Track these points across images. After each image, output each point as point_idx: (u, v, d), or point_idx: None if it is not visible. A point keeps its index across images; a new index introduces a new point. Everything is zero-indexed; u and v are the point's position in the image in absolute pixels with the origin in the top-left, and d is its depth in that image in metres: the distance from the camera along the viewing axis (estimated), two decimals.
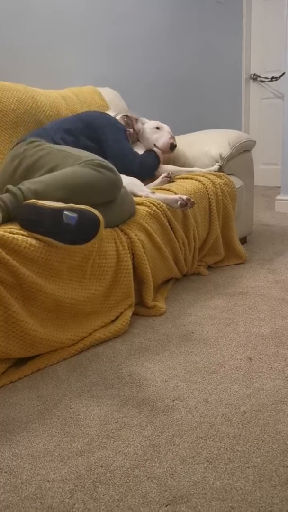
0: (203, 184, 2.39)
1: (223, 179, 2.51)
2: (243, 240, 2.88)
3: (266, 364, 1.57)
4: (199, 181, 2.41)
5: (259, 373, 1.52)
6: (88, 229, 1.55)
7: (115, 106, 2.91)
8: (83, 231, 1.55)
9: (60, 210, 1.54)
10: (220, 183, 2.47)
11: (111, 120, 2.37)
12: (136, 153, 2.38)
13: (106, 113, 2.43)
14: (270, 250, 2.80)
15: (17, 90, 2.46)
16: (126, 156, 2.31)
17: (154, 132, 2.55)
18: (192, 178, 2.45)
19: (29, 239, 1.55)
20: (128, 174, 2.24)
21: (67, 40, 3.08)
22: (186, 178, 2.47)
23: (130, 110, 3.03)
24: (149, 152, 2.48)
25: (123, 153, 2.30)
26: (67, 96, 2.76)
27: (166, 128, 2.57)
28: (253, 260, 2.61)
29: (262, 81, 4.73)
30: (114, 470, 1.14)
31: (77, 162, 1.83)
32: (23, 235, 1.55)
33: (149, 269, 1.97)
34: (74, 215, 1.52)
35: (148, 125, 2.57)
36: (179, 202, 2.08)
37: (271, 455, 1.16)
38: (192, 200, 2.09)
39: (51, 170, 1.83)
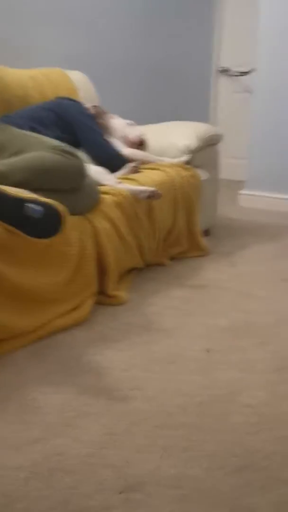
0: (170, 176, 2.40)
1: (189, 172, 2.53)
2: (206, 233, 2.92)
3: (222, 356, 1.61)
4: (166, 172, 2.42)
5: (216, 364, 1.56)
6: (52, 224, 1.54)
7: (84, 90, 2.87)
8: (47, 225, 1.54)
9: (23, 200, 1.52)
10: (187, 175, 2.49)
11: (82, 108, 2.35)
12: (110, 142, 2.39)
13: (76, 101, 2.41)
14: (232, 243, 2.85)
15: None
16: (102, 144, 2.33)
17: (126, 127, 2.56)
18: (159, 169, 2.45)
19: None
20: (103, 162, 2.26)
21: (38, 17, 3.00)
22: (153, 168, 2.47)
23: (98, 95, 3.00)
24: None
25: (100, 142, 2.34)
26: (35, 77, 2.70)
27: (137, 126, 2.62)
28: (215, 253, 2.65)
29: (233, 75, 4.77)
30: (70, 458, 1.15)
31: (43, 147, 1.80)
32: None
33: (112, 259, 1.97)
34: (39, 208, 1.50)
35: (119, 120, 2.59)
36: (145, 194, 2.08)
37: (223, 445, 1.20)
38: (158, 192, 2.10)
39: (17, 153, 1.80)
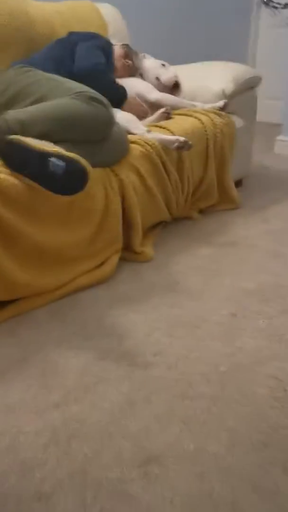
0: (203, 123, 2.26)
1: (224, 119, 2.37)
2: (238, 183, 2.78)
3: (249, 321, 1.55)
4: (199, 119, 2.27)
5: (241, 330, 1.51)
6: (75, 180, 1.45)
7: (114, 27, 2.68)
8: (70, 182, 1.45)
9: (48, 154, 1.43)
10: (221, 123, 2.33)
11: (90, 36, 2.15)
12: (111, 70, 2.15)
13: (94, 33, 2.21)
14: (265, 196, 2.72)
15: (9, 1, 2.22)
16: (97, 64, 2.00)
17: (160, 67, 2.39)
18: (191, 115, 2.30)
19: (11, 178, 1.45)
20: (85, 76, 1.93)
21: None
22: (185, 114, 2.32)
23: (129, 33, 2.80)
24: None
25: (84, 54, 2.01)
26: (62, 11, 2.51)
27: (171, 67, 2.43)
28: (247, 207, 2.53)
29: (275, 7, 4.39)
30: (89, 425, 1.14)
31: (68, 94, 1.69)
32: (6, 173, 1.45)
33: (138, 213, 1.89)
34: (62, 163, 1.41)
35: (153, 60, 2.41)
36: (176, 144, 1.96)
37: (245, 419, 1.17)
38: (189, 142, 1.98)
39: (39, 100, 1.69)
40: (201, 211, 2.42)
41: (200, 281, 1.79)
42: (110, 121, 1.73)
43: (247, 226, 2.30)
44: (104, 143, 1.74)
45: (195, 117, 2.28)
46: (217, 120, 2.33)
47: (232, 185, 2.47)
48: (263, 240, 2.15)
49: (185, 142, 1.98)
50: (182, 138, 1.98)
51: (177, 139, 1.97)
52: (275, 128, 3.92)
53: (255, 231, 2.25)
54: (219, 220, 2.36)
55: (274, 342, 1.46)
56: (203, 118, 2.28)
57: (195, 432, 1.13)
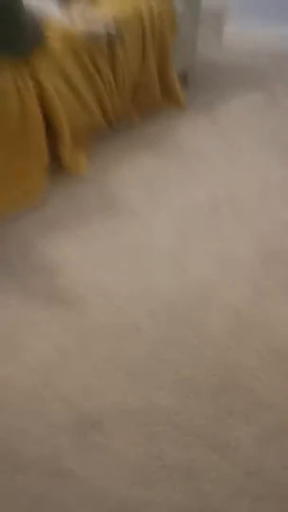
0: (136, 8, 1.87)
1: (163, 2, 1.99)
2: (183, 80, 2.45)
3: (199, 244, 1.36)
4: (131, 3, 1.88)
5: (192, 255, 1.32)
6: None
7: None
8: None
9: None
10: (159, 8, 1.96)
11: None
12: None
13: None
14: (213, 92, 2.41)
15: None
16: None
17: None
18: None
19: None
20: None
21: None
22: None
23: None
24: None
25: None
26: None
27: None
28: (193, 106, 2.23)
29: None
30: (16, 391, 0.95)
31: None
32: None
33: (65, 120, 1.59)
34: None
35: None
36: (103, 34, 1.61)
37: (200, 363, 1.02)
38: (117, 30, 1.63)
39: None
40: (143, 115, 2.11)
41: (143, 199, 1.55)
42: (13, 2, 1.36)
43: (193, 128, 2.03)
44: (11, 27, 1.39)
45: (126, 1, 1.89)
46: (155, 3, 1.95)
47: (176, 80, 2.15)
48: (211, 144, 1.90)
49: (110, 27, 1.63)
50: (111, 25, 1.63)
51: (103, 26, 1.61)
52: (221, 17, 3.49)
53: (202, 133, 1.98)
54: (163, 124, 2.07)
55: (227, 266, 1.28)
56: (136, 0, 1.90)
57: (142, 385, 0.96)
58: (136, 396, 0.94)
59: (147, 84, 2.01)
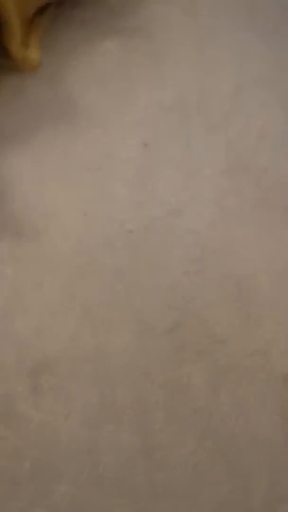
0: None
1: None
2: None
3: (163, 153, 1.25)
4: None
5: (156, 166, 1.22)
6: None
7: None
8: None
9: None
10: None
11: None
12: None
13: None
14: None
15: None
16: None
17: None
18: None
19: None
20: None
21: None
22: None
23: None
24: None
25: None
26: None
27: None
28: None
29: None
30: None
31: None
32: None
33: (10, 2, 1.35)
34: None
35: None
36: None
37: (155, 295, 1.00)
38: None
39: None
40: None
41: (104, 97, 1.39)
42: None
43: None
44: None
45: None
46: None
47: None
48: (186, 18, 1.65)
49: None
50: None
51: None
52: None
53: (173, 1, 1.71)
54: None
55: (192, 178, 1.19)
56: None
57: (96, 324, 0.95)
58: (89, 336, 0.94)
59: None
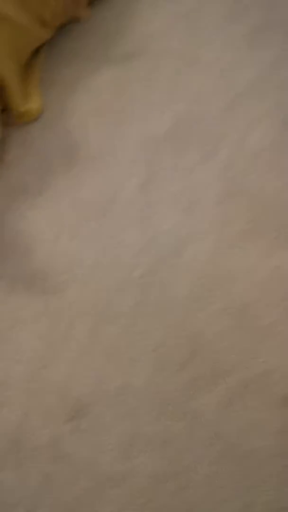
0: None
1: None
2: None
3: (163, 187, 1.37)
4: None
5: (156, 206, 1.34)
6: None
7: None
8: None
9: None
10: None
11: None
12: None
13: None
14: None
15: None
16: None
17: None
18: None
19: None
20: None
21: None
22: None
23: None
24: None
25: None
26: None
27: None
28: None
29: None
30: (11, 386, 1.11)
31: None
32: None
33: (6, 60, 1.46)
34: None
35: None
36: None
37: (171, 329, 1.14)
38: None
39: None
40: (92, 2, 1.86)
41: (103, 135, 1.49)
42: None
43: (153, 10, 1.79)
44: None
45: None
46: None
47: None
48: (175, 36, 1.70)
49: None
50: None
51: None
52: None
53: (162, 19, 1.76)
54: (117, 10, 1.83)
55: (190, 215, 1.31)
56: None
57: (119, 364, 1.11)
58: (114, 377, 1.10)
59: None
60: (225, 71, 1.57)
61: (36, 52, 1.68)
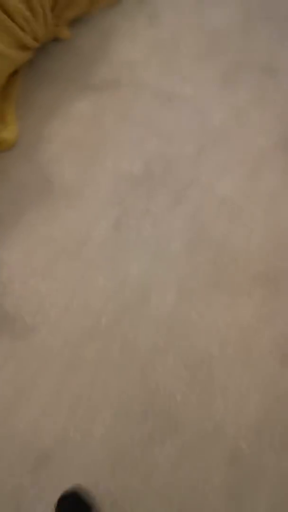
0: None
1: None
2: None
3: (132, 232, 1.40)
4: None
5: (126, 250, 1.37)
6: None
7: None
8: None
9: None
10: None
11: None
12: None
13: None
14: None
15: None
16: None
17: None
18: None
19: None
20: None
21: None
22: None
23: None
24: None
25: None
26: None
27: None
28: None
29: None
30: None
31: None
32: None
33: None
34: None
35: None
36: None
37: (131, 382, 1.20)
38: None
39: None
40: (73, 21, 1.84)
41: (78, 169, 1.51)
42: None
43: (130, 36, 1.79)
44: None
45: None
46: None
47: None
48: (152, 68, 1.71)
49: None
50: None
51: None
52: None
53: (141, 48, 1.76)
54: (97, 32, 1.81)
55: (158, 261, 1.35)
56: None
57: (81, 416, 1.17)
58: (75, 429, 1.16)
59: None
60: (199, 111, 1.59)
61: (14, 74, 1.66)
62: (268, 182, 1.43)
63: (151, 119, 1.58)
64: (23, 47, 1.60)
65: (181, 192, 1.44)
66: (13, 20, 1.49)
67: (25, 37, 1.55)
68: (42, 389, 1.19)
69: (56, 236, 1.40)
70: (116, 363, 1.21)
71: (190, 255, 1.34)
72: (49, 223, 1.41)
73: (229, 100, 1.58)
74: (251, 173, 1.45)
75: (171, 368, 1.20)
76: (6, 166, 1.52)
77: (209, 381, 1.17)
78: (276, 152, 1.48)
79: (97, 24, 1.83)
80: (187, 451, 1.11)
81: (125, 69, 1.70)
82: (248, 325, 1.22)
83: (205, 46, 1.70)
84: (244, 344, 1.21)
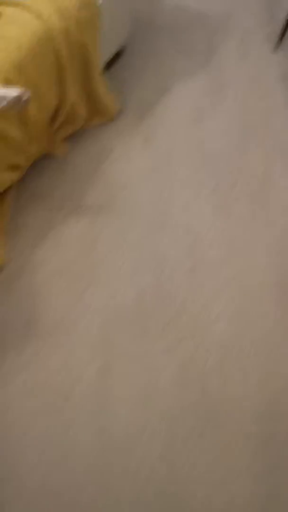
0: (44, 22, 1.47)
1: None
2: (116, 56, 2.08)
3: (119, 376, 1.32)
4: (35, 14, 1.48)
5: (111, 396, 1.28)
6: None
7: None
8: None
9: None
10: (73, 9, 1.54)
11: None
12: None
13: None
14: (152, 84, 2.06)
15: None
16: None
17: None
18: (18, 6, 1.48)
19: None
20: None
21: None
22: (11, 5, 1.50)
23: None
24: None
25: None
26: None
27: None
28: (125, 115, 1.93)
29: None
30: None
31: None
32: None
33: None
34: None
35: None
36: (7, 103, 1.30)
37: None
38: (26, 98, 1.31)
39: None
40: (68, 138, 1.82)
41: (65, 303, 1.43)
42: None
43: (126, 158, 1.78)
44: None
45: (27, 11, 1.47)
46: (65, 3, 1.54)
47: (105, 91, 1.82)
48: (145, 192, 1.69)
49: (19, 97, 1.31)
50: (13, 93, 1.30)
51: (6, 95, 1.29)
52: None
53: (136, 167, 1.75)
54: (91, 152, 1.80)
55: (144, 408, 1.26)
56: (42, 8, 1.48)
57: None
58: None
59: (68, 114, 1.71)
60: (190, 244, 1.57)
61: (3, 193, 1.61)
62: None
63: (142, 250, 1.55)
64: (16, 167, 1.56)
65: (171, 337, 1.39)
66: (8, 148, 1.45)
67: (17, 158, 1.52)
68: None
69: (37, 383, 1.31)
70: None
71: (178, 401, 1.28)
72: (31, 367, 1.33)
73: (219, 229, 1.58)
74: (242, 296, 1.41)
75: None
76: None
77: None
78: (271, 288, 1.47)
79: (91, 142, 1.82)
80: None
81: (118, 194, 1.69)
82: None
83: (195, 169, 1.72)
84: None
